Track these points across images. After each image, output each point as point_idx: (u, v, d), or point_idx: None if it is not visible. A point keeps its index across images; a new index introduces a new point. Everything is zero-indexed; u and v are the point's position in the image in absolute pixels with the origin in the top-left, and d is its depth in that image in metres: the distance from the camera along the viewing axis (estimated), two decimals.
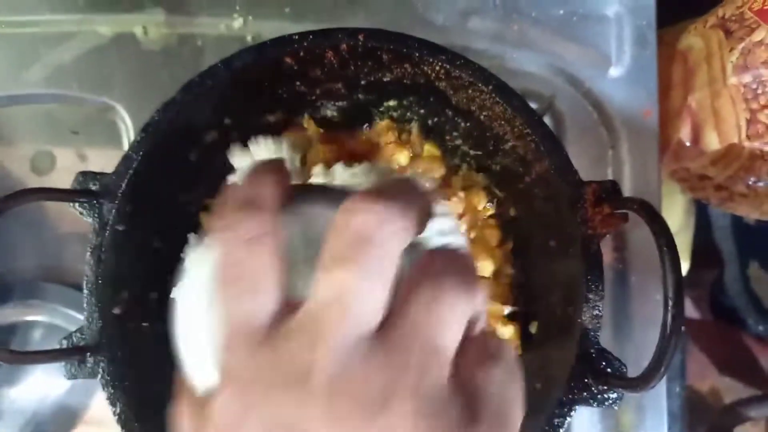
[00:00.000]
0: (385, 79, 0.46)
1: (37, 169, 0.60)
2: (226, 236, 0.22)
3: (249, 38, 0.57)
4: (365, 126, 0.50)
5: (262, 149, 0.47)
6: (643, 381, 0.34)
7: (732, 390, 0.85)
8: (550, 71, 0.57)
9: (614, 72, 0.57)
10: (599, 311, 0.39)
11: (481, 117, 0.44)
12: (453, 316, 0.20)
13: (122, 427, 0.41)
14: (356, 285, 0.18)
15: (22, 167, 0.60)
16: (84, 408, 0.60)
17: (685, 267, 0.74)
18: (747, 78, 0.52)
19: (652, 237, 0.57)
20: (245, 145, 0.48)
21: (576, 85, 0.57)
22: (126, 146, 0.58)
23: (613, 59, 0.57)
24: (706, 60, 0.55)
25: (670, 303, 0.31)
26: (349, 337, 0.18)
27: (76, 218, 0.60)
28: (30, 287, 0.59)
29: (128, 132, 0.58)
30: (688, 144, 0.55)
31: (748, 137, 0.52)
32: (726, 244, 0.79)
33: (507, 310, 0.46)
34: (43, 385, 0.61)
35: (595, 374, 0.38)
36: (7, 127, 0.61)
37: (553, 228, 0.43)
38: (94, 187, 0.43)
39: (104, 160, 0.59)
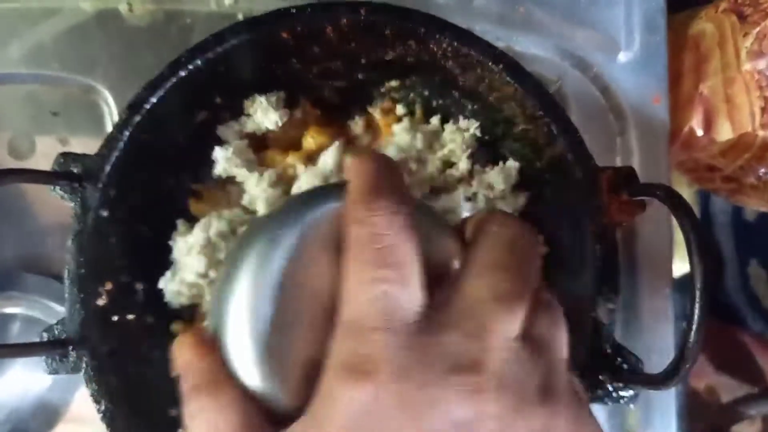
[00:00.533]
0: (387, 58, 0.43)
1: (16, 153, 0.57)
2: (369, 218, 0.21)
3: (240, 16, 0.54)
4: (365, 107, 0.47)
5: (257, 107, 0.44)
6: (667, 378, 0.31)
7: (729, 388, 0.85)
8: (557, 55, 0.54)
9: (623, 57, 0.55)
10: (614, 305, 0.37)
11: (490, 98, 0.42)
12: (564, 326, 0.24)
13: (107, 426, 0.39)
14: (515, 288, 0.21)
15: (0, 150, 0.57)
16: (66, 404, 0.57)
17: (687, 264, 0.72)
18: (762, 64, 0.50)
19: (660, 229, 0.56)
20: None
21: (584, 69, 0.54)
22: (109, 129, 0.55)
23: (622, 44, 0.55)
24: (718, 45, 0.53)
25: (698, 294, 0.29)
26: (511, 334, 0.20)
27: (57, 205, 0.57)
28: (8, 278, 0.56)
29: (112, 114, 0.55)
30: (699, 133, 0.54)
31: (762, 126, 0.50)
32: (725, 242, 0.78)
33: None
34: (23, 381, 0.58)
35: (611, 371, 0.36)
36: None
37: (566, 216, 0.41)
38: (75, 170, 0.40)
39: (86, 145, 0.56)
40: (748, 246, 0.76)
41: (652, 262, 0.52)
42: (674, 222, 0.57)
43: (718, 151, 0.56)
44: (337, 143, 0.43)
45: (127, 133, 0.40)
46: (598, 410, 0.53)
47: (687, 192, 0.67)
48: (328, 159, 0.43)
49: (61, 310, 0.53)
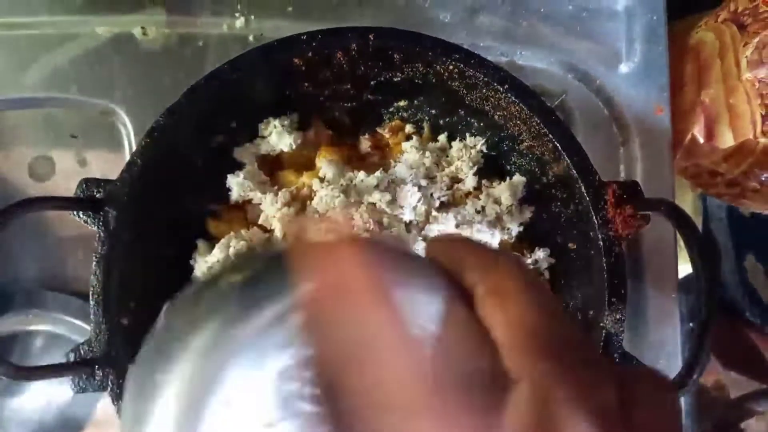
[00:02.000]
0: (395, 79, 0.45)
1: (36, 175, 0.58)
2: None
3: (251, 38, 0.56)
4: (375, 127, 0.49)
5: (272, 129, 0.45)
6: (677, 386, 0.33)
7: (737, 384, 0.85)
8: (559, 68, 0.55)
9: (625, 68, 0.56)
10: (622, 315, 0.38)
11: (496, 117, 0.43)
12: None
13: None
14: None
15: (21, 173, 0.59)
16: (89, 415, 0.58)
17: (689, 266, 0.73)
18: (762, 73, 0.51)
19: (666, 236, 0.57)
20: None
21: (586, 81, 0.55)
22: (127, 150, 0.57)
23: (623, 55, 0.56)
24: (719, 55, 0.54)
25: (704, 311, 0.30)
26: None
27: (78, 224, 0.59)
28: (31, 296, 0.58)
29: (129, 135, 0.57)
30: (701, 141, 0.55)
31: (764, 133, 0.52)
32: (722, 237, 0.78)
33: None
34: (47, 393, 0.59)
35: None
36: (4, 131, 0.60)
37: (573, 230, 0.42)
38: (98, 195, 0.42)
39: (105, 165, 0.58)
40: (744, 240, 0.77)
41: (657, 267, 0.53)
42: None
43: (721, 158, 0.57)
44: None
45: (146, 159, 0.42)
46: None
47: (690, 196, 0.68)
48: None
49: (83, 326, 0.55)
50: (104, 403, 0.58)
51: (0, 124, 0.59)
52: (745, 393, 0.81)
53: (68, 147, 0.59)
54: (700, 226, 0.74)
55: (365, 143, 0.48)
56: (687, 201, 0.67)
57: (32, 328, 0.56)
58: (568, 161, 0.39)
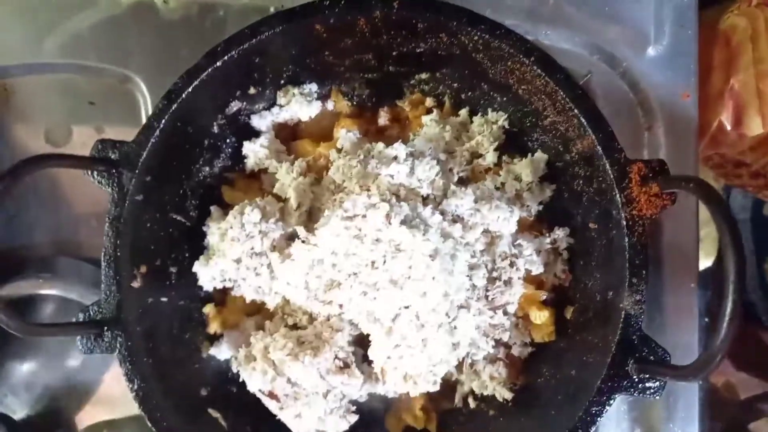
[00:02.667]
0: (418, 50, 0.44)
1: (53, 141, 0.58)
2: None
3: (272, 9, 0.55)
4: (395, 100, 0.48)
5: (291, 98, 0.45)
6: (697, 369, 0.32)
7: (747, 385, 0.84)
8: (585, 49, 0.54)
9: (652, 51, 0.54)
10: (642, 296, 0.37)
11: (520, 91, 0.42)
12: None
13: (140, 405, 0.40)
14: None
15: (37, 139, 0.58)
16: (96, 384, 0.58)
17: (710, 260, 0.72)
18: None
19: (686, 225, 0.55)
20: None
21: (612, 64, 0.54)
22: (144, 119, 0.56)
23: (651, 38, 0.54)
24: (751, 39, 0.52)
25: (731, 288, 0.29)
26: None
27: (90, 193, 0.59)
28: (44, 261, 0.57)
29: (146, 104, 0.57)
30: (729, 128, 0.53)
31: None
32: (744, 239, 0.77)
33: (543, 295, 0.44)
34: (55, 360, 0.59)
35: (638, 362, 0.37)
36: (22, 97, 0.59)
37: (594, 210, 0.41)
38: (113, 156, 0.42)
39: (121, 134, 0.56)
40: (765, 243, 0.75)
41: (677, 258, 0.52)
42: (699, 218, 0.57)
43: (747, 147, 0.56)
44: None
45: (163, 122, 0.41)
46: (622, 402, 0.53)
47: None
48: None
49: (95, 292, 0.55)
50: (111, 374, 0.58)
51: (18, 90, 0.59)
52: (756, 394, 0.80)
53: (85, 114, 0.59)
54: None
55: (384, 116, 0.47)
56: None
57: (44, 292, 0.56)
58: (594, 137, 0.38)
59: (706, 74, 0.55)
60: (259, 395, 0.42)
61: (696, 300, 0.52)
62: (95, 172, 0.41)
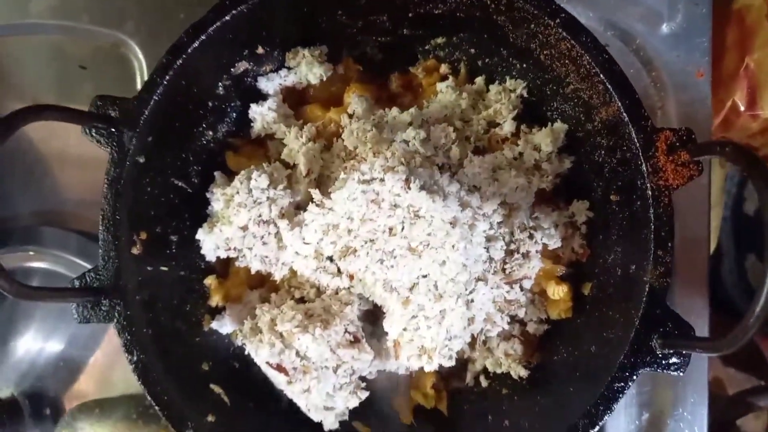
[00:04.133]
0: (435, 12, 0.42)
1: None
2: None
3: None
4: (407, 66, 0.46)
5: (300, 60, 0.42)
6: (730, 341, 0.30)
7: (735, 380, 0.84)
8: (599, 24, 0.53)
9: (666, 29, 0.53)
10: (667, 269, 0.36)
11: (542, 57, 0.41)
12: None
13: (138, 377, 0.37)
14: None
15: (25, 103, 0.55)
16: (83, 362, 0.55)
17: (712, 246, 0.72)
18: None
19: (697, 196, 0.54)
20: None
21: (626, 40, 0.53)
22: (139, 84, 0.54)
23: (665, 15, 0.53)
24: (766, 18, 0.51)
25: None
26: None
27: (80, 162, 0.56)
28: (27, 233, 0.55)
29: (141, 69, 0.54)
30: (742, 108, 0.52)
31: None
32: (724, 236, 0.77)
33: (561, 270, 0.43)
34: (39, 339, 0.57)
35: (663, 336, 0.35)
36: (9, 60, 0.56)
37: (617, 181, 0.40)
38: (113, 114, 0.39)
39: None
40: (747, 240, 0.76)
41: (688, 230, 0.51)
42: (711, 200, 0.56)
43: (758, 130, 0.55)
44: None
45: (167, 78, 0.39)
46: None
47: (719, 173, 0.66)
48: None
49: (83, 264, 0.52)
50: (102, 350, 0.55)
51: (4, 51, 0.56)
52: (744, 389, 0.80)
53: (76, 80, 0.56)
54: (722, 212, 0.72)
55: (396, 82, 0.45)
56: (715, 177, 0.65)
57: (30, 264, 0.53)
58: (620, 104, 0.37)
59: (719, 54, 0.54)
60: (265, 369, 0.40)
61: (707, 284, 0.51)
62: (93, 130, 0.39)
